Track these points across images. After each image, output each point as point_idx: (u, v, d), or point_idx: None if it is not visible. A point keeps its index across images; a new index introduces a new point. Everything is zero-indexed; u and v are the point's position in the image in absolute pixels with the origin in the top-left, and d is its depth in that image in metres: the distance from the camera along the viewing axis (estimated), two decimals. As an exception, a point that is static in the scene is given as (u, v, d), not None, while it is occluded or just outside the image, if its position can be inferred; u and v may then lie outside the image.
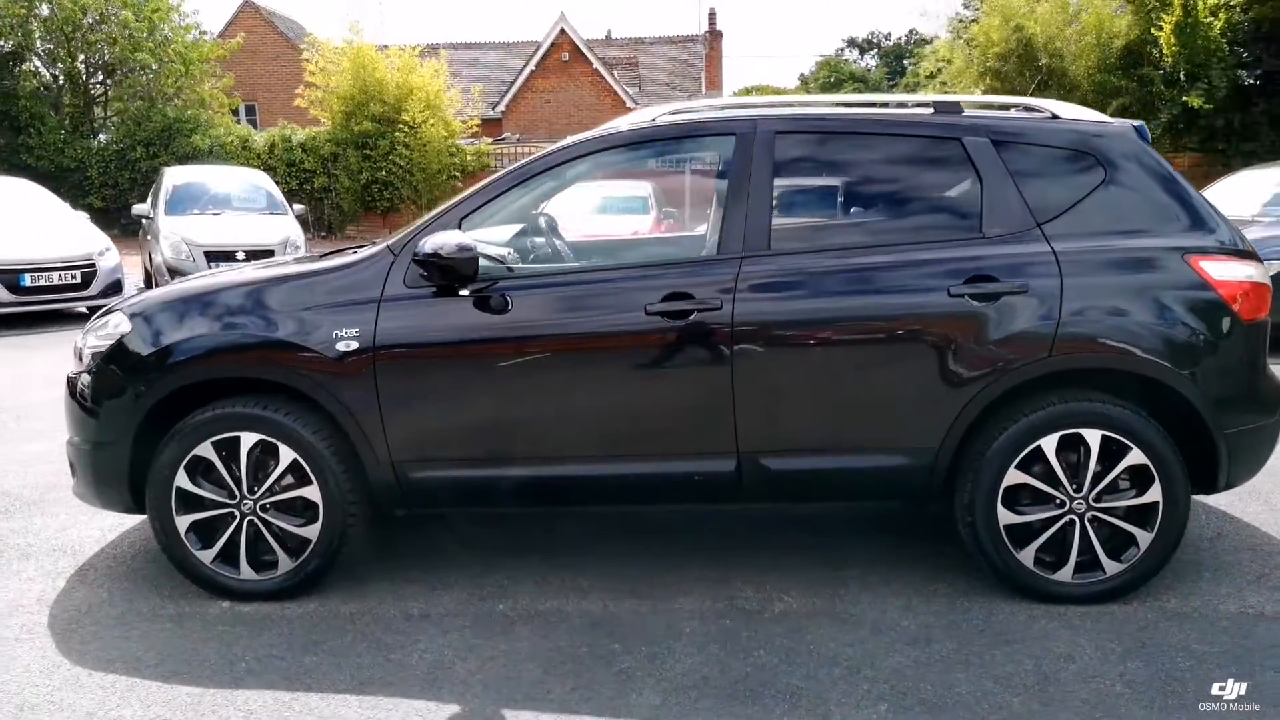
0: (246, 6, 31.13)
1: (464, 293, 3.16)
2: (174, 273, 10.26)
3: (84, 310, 10.15)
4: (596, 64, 29.32)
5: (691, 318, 3.11)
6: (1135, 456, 3.06)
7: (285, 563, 3.25)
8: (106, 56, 21.02)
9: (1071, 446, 3.09)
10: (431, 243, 3.07)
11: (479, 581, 3.42)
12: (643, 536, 3.85)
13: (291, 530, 3.23)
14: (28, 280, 9.64)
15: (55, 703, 2.67)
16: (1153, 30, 16.76)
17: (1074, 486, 3.09)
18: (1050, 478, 3.10)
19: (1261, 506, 4.06)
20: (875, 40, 59.11)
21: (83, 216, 11.18)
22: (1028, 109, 3.51)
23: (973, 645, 2.92)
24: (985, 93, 17.62)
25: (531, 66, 29.42)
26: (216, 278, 3.55)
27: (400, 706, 2.63)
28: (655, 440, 3.22)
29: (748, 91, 49.73)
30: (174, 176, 12.26)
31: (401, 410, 3.17)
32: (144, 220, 11.88)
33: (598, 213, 11.08)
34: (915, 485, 3.21)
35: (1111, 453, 3.07)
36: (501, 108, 29.16)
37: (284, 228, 11.52)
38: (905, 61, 48.63)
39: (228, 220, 11.54)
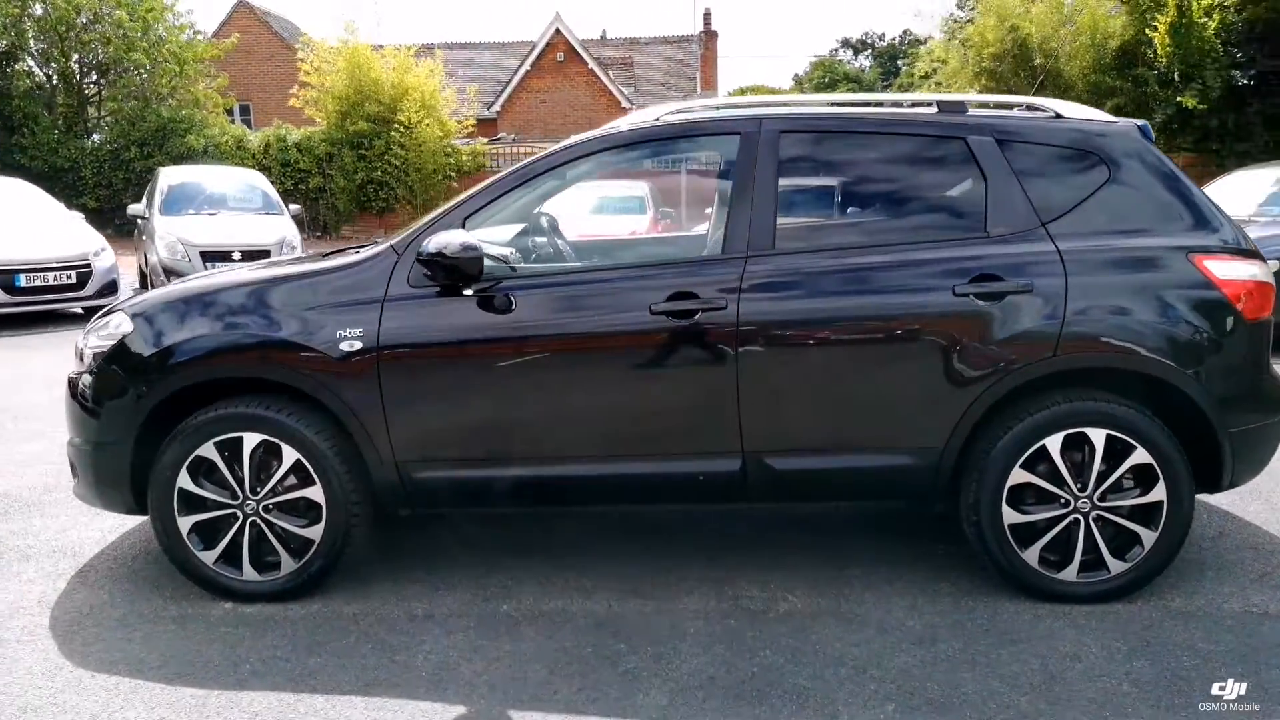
0: (241, 6, 31.05)
1: (468, 292, 3.15)
2: (169, 273, 10.22)
3: (79, 311, 10.12)
4: (591, 64, 29.30)
5: (696, 317, 3.10)
6: (1140, 456, 3.06)
7: (288, 564, 3.24)
8: (100, 56, 20.95)
9: (1076, 446, 3.09)
10: (436, 242, 3.06)
11: (483, 582, 3.41)
12: (645, 536, 3.84)
13: (294, 531, 3.22)
14: (23, 281, 9.60)
15: (58, 705, 2.65)
16: (1147, 31, 16.83)
17: (1078, 486, 3.09)
18: (1055, 477, 3.10)
19: (1262, 505, 4.07)
20: (869, 41, 59.24)
21: (78, 217, 11.13)
22: (1031, 108, 3.51)
23: (978, 645, 2.92)
24: (981, 93, 17.65)
25: (527, 66, 29.39)
26: (218, 277, 3.54)
27: (406, 708, 2.62)
28: (660, 440, 3.21)
29: (743, 91, 49.74)
30: (169, 176, 12.23)
31: (405, 410, 3.16)
32: (139, 220, 11.83)
33: (594, 212, 11.09)
34: (920, 485, 3.21)
35: (1116, 452, 3.07)
36: (497, 108, 29.14)
37: (280, 228, 11.49)
38: (899, 62, 48.66)
39: (223, 220, 11.51)
